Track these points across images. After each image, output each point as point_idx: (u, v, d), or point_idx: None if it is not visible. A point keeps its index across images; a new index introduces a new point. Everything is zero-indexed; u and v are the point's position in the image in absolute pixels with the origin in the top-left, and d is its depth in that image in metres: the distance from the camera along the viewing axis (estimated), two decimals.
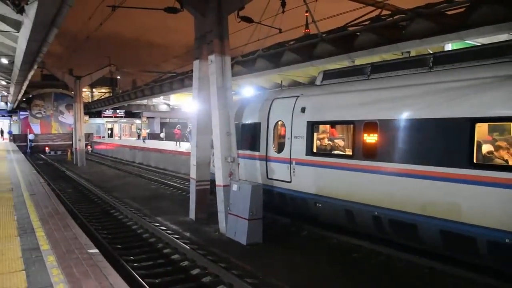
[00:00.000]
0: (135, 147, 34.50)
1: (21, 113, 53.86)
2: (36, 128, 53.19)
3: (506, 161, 6.63)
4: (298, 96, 10.27)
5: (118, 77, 51.43)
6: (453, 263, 7.34)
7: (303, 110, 9.89)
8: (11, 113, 54.72)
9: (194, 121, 11.76)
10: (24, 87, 34.20)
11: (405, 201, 7.44)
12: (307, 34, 20.20)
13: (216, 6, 10.42)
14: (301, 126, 9.84)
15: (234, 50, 16.76)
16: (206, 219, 11.46)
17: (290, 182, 10.09)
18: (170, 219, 11.86)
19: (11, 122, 55.35)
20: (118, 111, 59.88)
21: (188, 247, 8.73)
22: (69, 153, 38.27)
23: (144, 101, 55.75)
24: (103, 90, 67.24)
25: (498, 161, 6.63)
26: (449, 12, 10.93)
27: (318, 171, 9.39)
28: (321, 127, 10.06)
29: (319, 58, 14.67)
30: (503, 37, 11.45)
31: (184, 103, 55.36)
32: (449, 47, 18.71)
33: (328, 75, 10.29)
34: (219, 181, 10.30)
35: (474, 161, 6.51)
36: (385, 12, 12.36)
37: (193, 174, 11.64)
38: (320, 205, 9.37)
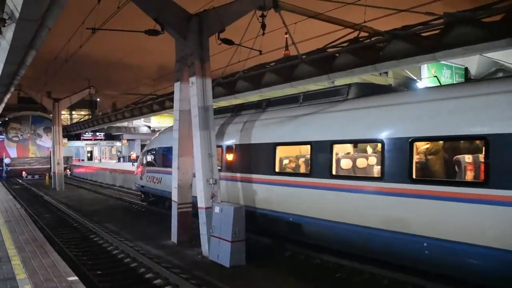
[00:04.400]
0: (115, 170, 33.97)
1: None
2: (13, 151, 51.84)
3: (293, 169, 10.41)
4: None
5: (98, 99, 50.77)
6: (431, 278, 7.39)
7: None
8: None
9: (175, 143, 11.70)
10: None
11: (250, 198, 11.01)
12: (287, 56, 20.47)
13: (197, 29, 10.53)
14: None
15: (215, 71, 16.84)
16: (189, 242, 11.29)
17: None
18: (151, 243, 11.64)
19: None
20: (97, 133, 59.09)
21: (170, 272, 8.56)
22: (47, 177, 37.43)
23: (125, 123, 55.17)
24: (83, 113, 66.18)
25: (288, 170, 10.49)
26: (424, 34, 11.27)
27: None
28: None
29: (300, 79, 14.84)
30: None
31: (165, 125, 55.06)
32: (424, 68, 19.22)
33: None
34: (201, 203, 10.22)
35: (276, 170, 10.33)
36: (363, 34, 12.65)
37: (174, 196, 11.50)
38: None
